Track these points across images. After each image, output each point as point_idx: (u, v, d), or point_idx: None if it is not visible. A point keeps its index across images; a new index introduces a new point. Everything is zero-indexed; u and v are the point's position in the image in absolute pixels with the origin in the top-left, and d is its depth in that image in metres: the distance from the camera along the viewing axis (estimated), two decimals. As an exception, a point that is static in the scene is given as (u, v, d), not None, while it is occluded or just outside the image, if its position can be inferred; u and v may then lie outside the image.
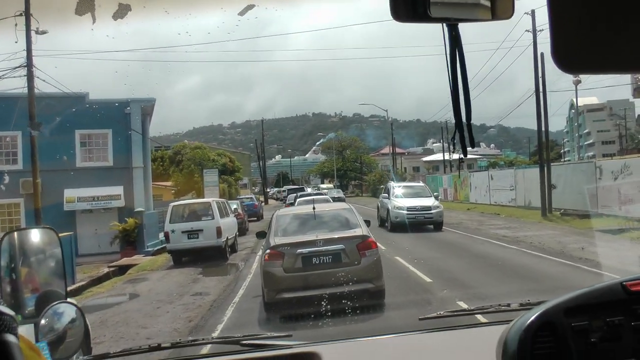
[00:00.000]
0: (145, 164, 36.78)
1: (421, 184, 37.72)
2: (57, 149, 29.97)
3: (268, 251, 11.47)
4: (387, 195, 30.80)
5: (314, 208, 12.66)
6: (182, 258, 22.65)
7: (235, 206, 33.55)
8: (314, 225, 12.34)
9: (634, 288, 2.00)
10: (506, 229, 27.23)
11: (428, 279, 14.58)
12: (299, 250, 11.19)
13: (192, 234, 22.08)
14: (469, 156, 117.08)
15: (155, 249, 28.14)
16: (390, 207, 28.94)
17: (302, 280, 11.07)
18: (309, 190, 70.63)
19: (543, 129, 35.09)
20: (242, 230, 31.95)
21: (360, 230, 11.91)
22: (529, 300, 3.37)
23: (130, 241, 28.99)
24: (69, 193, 31.45)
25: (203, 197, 46.48)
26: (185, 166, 56.96)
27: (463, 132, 1.67)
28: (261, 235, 14.32)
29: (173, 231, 22.10)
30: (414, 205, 28.40)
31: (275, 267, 11.16)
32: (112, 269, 23.89)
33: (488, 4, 1.44)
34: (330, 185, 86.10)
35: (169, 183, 59.30)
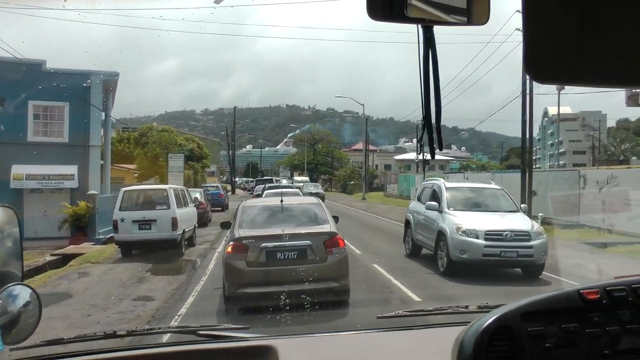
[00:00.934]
0: (105, 143, 34.37)
1: (495, 185, 19.26)
2: (6, 120, 27.74)
3: (231, 243, 11.12)
4: (435, 202, 16.81)
5: (281, 201, 12.38)
6: (131, 250, 20.27)
7: (197, 195, 31.21)
8: (280, 219, 12.03)
9: (590, 296, 2.03)
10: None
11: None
12: (263, 244, 10.88)
13: (144, 224, 19.64)
14: (441, 157, 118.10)
15: (107, 237, 25.34)
16: (446, 229, 15.39)
17: (265, 276, 10.74)
18: (283, 182, 68.54)
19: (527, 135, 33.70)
20: (204, 222, 29.79)
21: (329, 227, 11.59)
22: (487, 303, 3.48)
23: (81, 227, 26.51)
24: (17, 169, 28.97)
25: (167, 183, 44.71)
26: (150, 149, 54.54)
27: (432, 133, 1.64)
28: (226, 225, 13.78)
29: (122, 220, 19.63)
30: (498, 229, 14.99)
31: (238, 260, 10.82)
32: (54, 257, 21.45)
33: (464, 8, 1.45)
34: (305, 178, 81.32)
35: (133, 166, 57.26)
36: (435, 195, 17.31)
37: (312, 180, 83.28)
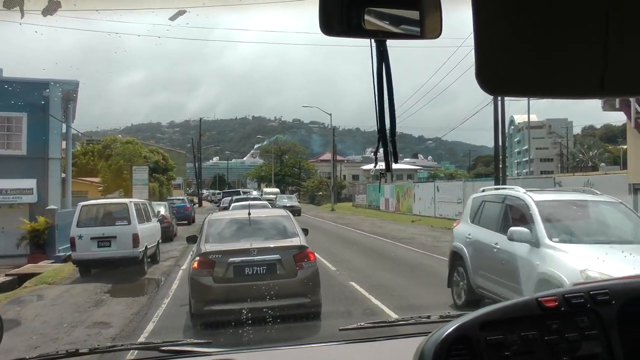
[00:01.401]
0: (67, 156, 33.04)
1: (609, 197, 11.25)
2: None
3: (197, 258, 10.75)
4: (524, 229, 9.87)
5: (249, 213, 11.92)
6: (90, 270, 18.94)
7: (161, 209, 29.93)
8: (248, 232, 11.65)
9: (549, 304, 2.04)
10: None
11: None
12: (231, 259, 10.53)
13: (103, 241, 18.29)
14: (409, 167, 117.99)
15: (67, 254, 23.75)
16: (559, 277, 8.63)
17: (232, 292, 10.35)
18: (254, 193, 66.09)
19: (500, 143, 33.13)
20: (169, 236, 28.55)
21: (298, 240, 11.28)
22: (448, 313, 3.79)
23: (40, 244, 25.15)
24: (-29, 183, 27.38)
25: (131, 196, 43.48)
26: (114, 161, 53.19)
27: (387, 147, 1.69)
28: (192, 240, 13.02)
29: (80, 237, 18.25)
30: None
31: (204, 277, 10.47)
32: (9, 277, 20.03)
33: (417, 22, 1.48)
34: (275, 190, 76.59)
35: (97, 179, 55.89)
36: (517, 216, 10.80)
37: (282, 191, 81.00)
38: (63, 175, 31.69)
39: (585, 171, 68.91)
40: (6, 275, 20.49)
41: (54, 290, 16.21)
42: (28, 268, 21.98)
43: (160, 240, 22.70)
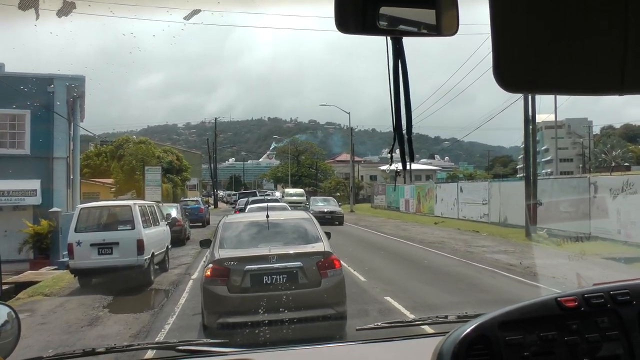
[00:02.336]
0: (73, 156, 31.36)
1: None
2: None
3: (210, 266, 9.89)
4: None
5: (267, 216, 11.02)
6: (91, 279, 17.10)
7: (173, 211, 28.16)
8: (267, 237, 10.85)
9: (568, 304, 2.03)
10: (501, 253, 22.34)
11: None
12: (247, 267, 9.67)
13: (104, 247, 16.38)
14: (427, 167, 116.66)
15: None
16: None
17: (249, 303, 9.42)
18: (276, 194, 64.14)
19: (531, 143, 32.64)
20: (180, 240, 26.85)
21: (322, 245, 10.35)
22: (466, 313, 3.51)
23: (43, 248, 23.51)
24: (-28, 185, 25.75)
25: (143, 197, 41.94)
26: (126, 162, 51.80)
27: (403, 145, 1.68)
28: (205, 244, 12.14)
29: (79, 243, 16.32)
30: None
31: (218, 286, 9.63)
32: (6, 286, 18.23)
33: (433, 19, 1.48)
34: (299, 190, 67.13)
35: (109, 180, 54.59)
36: None
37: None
38: (71, 176, 30.02)
39: (601, 171, 67.52)
40: (2, 284, 18.77)
41: (48, 304, 14.35)
42: (27, 275, 20.40)
43: (169, 246, 20.79)
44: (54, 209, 24.54)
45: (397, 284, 15.30)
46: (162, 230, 19.67)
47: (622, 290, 2.07)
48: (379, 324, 3.74)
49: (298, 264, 9.80)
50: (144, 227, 16.96)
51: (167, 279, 17.64)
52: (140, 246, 16.27)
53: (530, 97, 30.25)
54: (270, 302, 9.28)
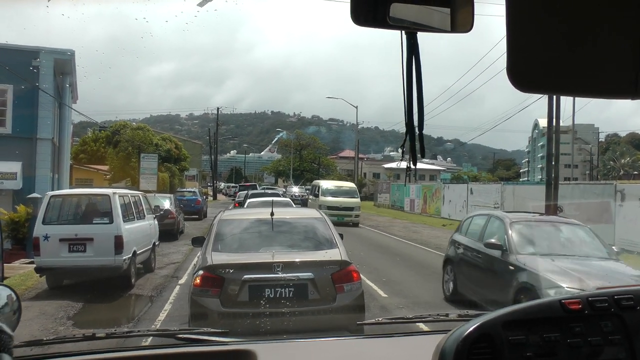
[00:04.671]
0: (61, 138, 29.03)
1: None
2: None
3: (201, 272, 8.16)
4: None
5: (272, 214, 9.25)
6: (61, 279, 14.58)
7: (165, 202, 25.76)
8: (270, 239, 9.19)
9: (573, 307, 2.03)
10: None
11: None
12: (246, 276, 7.99)
13: (76, 244, 13.66)
14: (432, 167, 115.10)
15: None
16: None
17: (247, 321, 7.60)
18: (294, 190, 57.72)
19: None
20: (173, 235, 24.56)
21: (337, 253, 8.66)
22: (467, 312, 3.62)
23: (19, 238, 21.13)
24: (-54, 166, 23.48)
25: (138, 186, 39.79)
26: (122, 148, 49.76)
27: (414, 140, 1.66)
28: (198, 242, 10.48)
29: (46, 237, 13.67)
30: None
31: (209, 298, 7.96)
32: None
33: (448, 15, 1.46)
34: (349, 186, 41.79)
35: (104, 167, 52.77)
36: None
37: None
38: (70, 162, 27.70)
39: (610, 179, 66.18)
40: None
41: (2, 310, 12.01)
42: (-6, 270, 17.98)
43: (157, 243, 18.19)
44: (34, 194, 22.12)
45: (426, 302, 12.96)
46: (147, 225, 17.03)
47: (627, 295, 2.07)
48: (380, 319, 3.87)
49: (309, 275, 8.12)
50: (124, 221, 14.35)
51: (152, 282, 15.11)
52: (118, 243, 13.69)
53: (555, 99, 28.73)
54: (273, 320, 7.63)
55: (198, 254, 10.13)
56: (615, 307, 2.03)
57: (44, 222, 13.87)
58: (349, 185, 42.27)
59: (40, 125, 25.33)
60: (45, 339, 3.16)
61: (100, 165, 54.33)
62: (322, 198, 37.09)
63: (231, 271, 8.09)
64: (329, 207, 33.89)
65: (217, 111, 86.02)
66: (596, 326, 2.00)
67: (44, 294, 13.68)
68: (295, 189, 57.94)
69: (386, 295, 13.19)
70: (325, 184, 41.30)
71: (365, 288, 13.00)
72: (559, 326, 1.97)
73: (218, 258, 8.46)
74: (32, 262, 18.50)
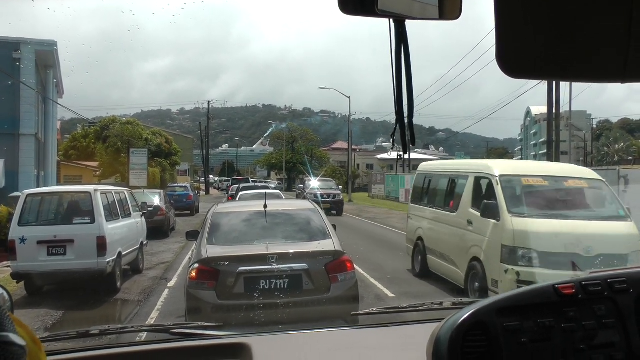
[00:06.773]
0: (46, 133, 28.01)
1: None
2: None
3: (196, 266, 8.25)
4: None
5: (265, 206, 9.39)
6: (42, 285, 13.56)
7: (155, 198, 24.66)
8: (264, 231, 9.28)
9: (566, 291, 2.02)
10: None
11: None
12: (241, 268, 8.08)
13: (55, 246, 12.71)
14: (425, 157, 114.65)
15: None
16: None
17: (243, 314, 7.68)
18: (315, 185, 41.37)
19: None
20: (163, 232, 23.67)
21: (331, 243, 8.79)
22: (461, 300, 3.81)
23: (2, 240, 20.14)
24: None
25: (128, 182, 38.87)
26: (111, 143, 48.80)
27: (404, 129, 1.64)
28: (192, 236, 10.39)
29: (23, 240, 12.73)
30: None
31: (205, 291, 8.04)
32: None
33: (436, 3, 1.45)
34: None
35: (94, 163, 51.72)
36: None
37: (290, 180, 70.80)
38: (58, 159, 26.72)
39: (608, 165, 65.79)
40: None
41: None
42: (-29, 274, 16.99)
43: (145, 242, 17.12)
44: (16, 193, 21.11)
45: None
46: (134, 224, 16.00)
47: (620, 278, 2.08)
48: (374, 309, 3.88)
49: (303, 265, 8.32)
50: (108, 221, 13.33)
51: (139, 285, 14.08)
52: (101, 245, 12.67)
53: (555, 85, 29.39)
54: (268, 312, 7.84)
55: (192, 249, 10.24)
56: (608, 291, 2.03)
57: (20, 224, 12.89)
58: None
59: (22, 120, 24.52)
60: (37, 337, 2.58)
61: (91, 161, 53.22)
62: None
63: (226, 264, 8.24)
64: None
65: (208, 105, 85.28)
66: (590, 310, 2.01)
67: (23, 301, 12.65)
68: (317, 184, 42.05)
69: (393, 295, 12.35)
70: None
71: (369, 286, 12.56)
72: (553, 311, 1.97)
73: (213, 251, 8.58)
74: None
